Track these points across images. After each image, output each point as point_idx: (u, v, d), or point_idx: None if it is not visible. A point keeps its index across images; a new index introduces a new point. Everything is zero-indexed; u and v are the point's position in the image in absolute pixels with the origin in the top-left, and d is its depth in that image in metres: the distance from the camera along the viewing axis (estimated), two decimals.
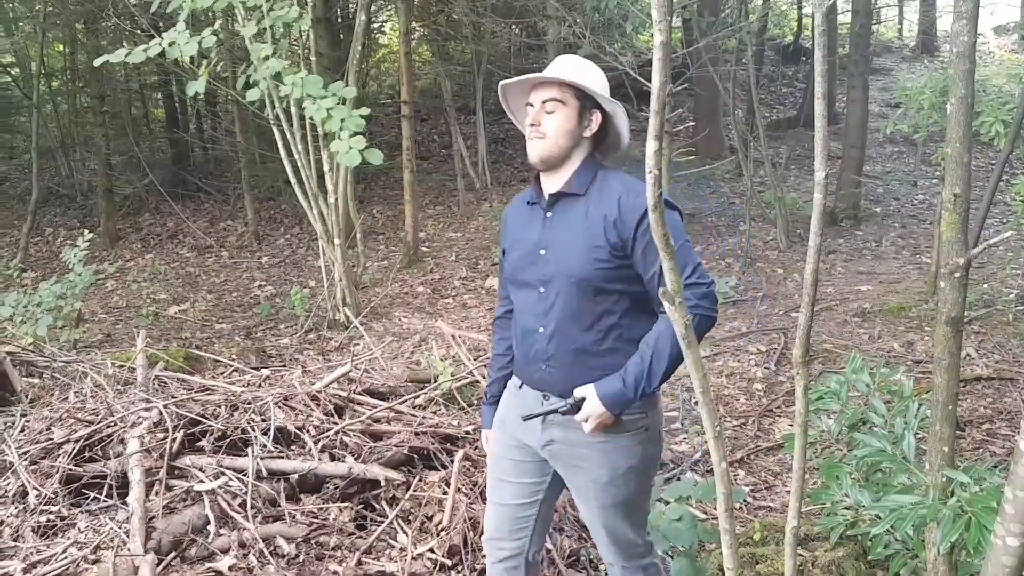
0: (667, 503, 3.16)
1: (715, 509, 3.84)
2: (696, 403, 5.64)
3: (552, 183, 2.22)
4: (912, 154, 13.70)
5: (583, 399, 2.14)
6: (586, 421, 2.13)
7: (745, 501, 4.01)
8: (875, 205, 11.69)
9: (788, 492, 4.25)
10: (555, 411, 2.20)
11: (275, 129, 6.53)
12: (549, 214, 2.20)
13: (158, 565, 2.83)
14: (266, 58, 5.54)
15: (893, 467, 2.48)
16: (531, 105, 2.17)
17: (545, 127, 2.14)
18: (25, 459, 3.28)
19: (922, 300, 7.15)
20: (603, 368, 2.14)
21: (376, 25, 15.39)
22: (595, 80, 2.16)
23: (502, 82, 2.23)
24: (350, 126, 5.19)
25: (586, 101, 2.15)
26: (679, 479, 4.23)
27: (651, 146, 1.76)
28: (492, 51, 14.15)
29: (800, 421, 2.08)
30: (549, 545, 3.28)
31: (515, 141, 14.82)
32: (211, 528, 3.06)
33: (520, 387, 2.34)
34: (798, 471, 2.12)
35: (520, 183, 13.26)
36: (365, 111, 5.28)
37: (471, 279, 9.25)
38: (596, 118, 2.17)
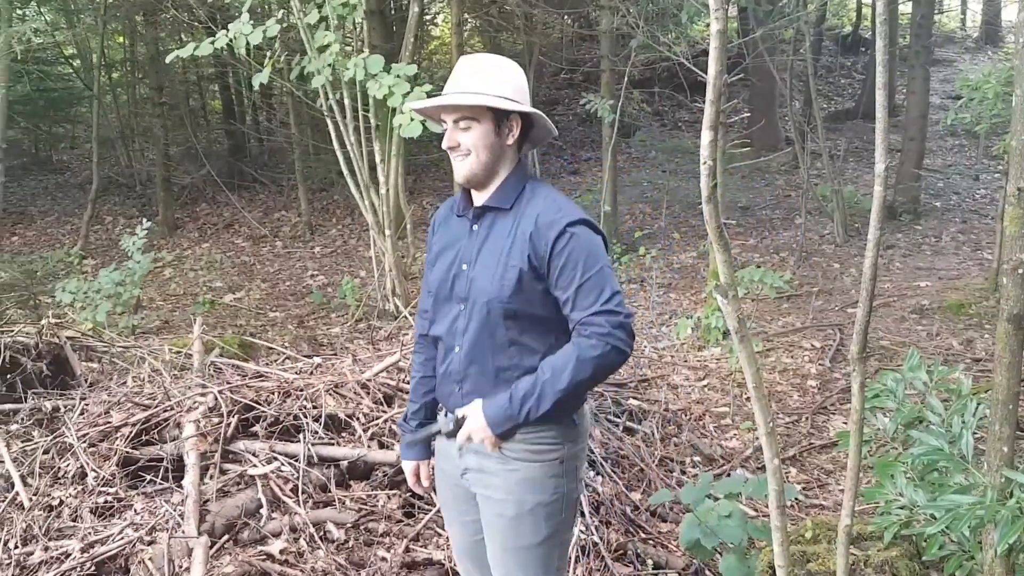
0: (716, 499, 3.12)
1: (765, 506, 3.80)
2: (747, 398, 5.58)
3: (480, 196, 2.09)
4: (974, 147, 13.28)
5: (464, 417, 2.01)
6: (467, 440, 2.00)
7: (797, 499, 3.95)
8: (935, 199, 11.38)
9: (841, 490, 4.17)
10: (437, 432, 2.10)
11: (329, 121, 6.61)
12: (475, 227, 2.08)
13: (211, 547, 2.89)
14: (327, 46, 5.60)
15: (950, 467, 2.42)
16: (445, 123, 2.04)
17: (465, 146, 2.00)
18: (84, 441, 3.38)
19: (983, 297, 6.95)
20: (513, 386, 1.99)
21: (428, 17, 15.45)
22: (502, 84, 1.99)
23: (414, 105, 2.11)
24: (399, 91, 5.26)
25: (500, 110, 1.99)
26: (729, 475, 4.18)
27: (706, 136, 1.74)
28: (544, 42, 14.09)
29: (856, 418, 2.03)
30: (595, 538, 3.27)
31: (565, 133, 14.77)
32: (263, 512, 3.12)
33: (441, 409, 2.21)
34: (853, 468, 2.08)
35: (569, 175, 13.22)
36: (428, 87, 5.31)
37: None
38: (515, 124, 2.03)
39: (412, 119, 5.20)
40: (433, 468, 2.29)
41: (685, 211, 11.02)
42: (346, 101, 6.41)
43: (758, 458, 4.53)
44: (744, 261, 8.48)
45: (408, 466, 2.33)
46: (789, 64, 10.49)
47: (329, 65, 5.82)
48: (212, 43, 5.43)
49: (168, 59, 5.70)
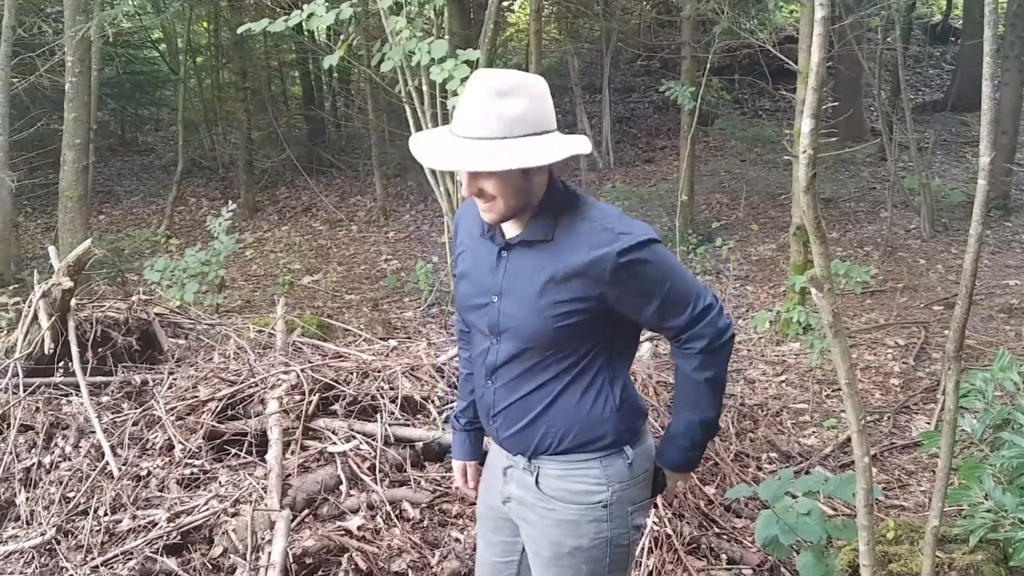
0: (794, 497, 3.06)
1: (844, 506, 3.71)
2: (827, 396, 5.43)
3: (510, 228, 1.86)
4: None
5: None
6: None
7: (878, 499, 3.84)
8: None
9: (923, 492, 4.06)
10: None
11: (406, 107, 6.66)
12: (504, 253, 1.86)
13: (292, 520, 2.96)
14: (400, 31, 5.63)
15: None
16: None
17: (489, 194, 1.75)
18: (172, 414, 3.49)
19: None
20: (546, 423, 1.86)
21: (506, 4, 15.44)
22: (522, 118, 1.69)
23: (421, 160, 1.78)
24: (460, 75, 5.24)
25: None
26: (808, 473, 4.10)
27: (807, 125, 1.69)
28: (623, 28, 13.93)
29: (949, 417, 1.97)
30: (668, 530, 3.24)
31: (640, 121, 14.60)
32: (342, 488, 3.18)
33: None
34: (943, 469, 2.01)
35: (644, 163, 13.06)
36: None
37: None
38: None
39: None
40: (480, 472, 2.20)
41: (764, 202, 10.78)
42: (424, 87, 6.45)
43: (836, 456, 4.43)
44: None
45: (457, 465, 2.24)
46: (878, 53, 10.14)
47: (410, 52, 5.85)
48: (286, 21, 5.51)
49: (240, 30, 5.80)
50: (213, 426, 3.42)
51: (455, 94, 5.39)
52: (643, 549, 3.10)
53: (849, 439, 4.57)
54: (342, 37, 5.86)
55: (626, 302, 1.77)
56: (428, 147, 1.77)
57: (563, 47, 14.38)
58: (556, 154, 1.70)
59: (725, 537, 3.42)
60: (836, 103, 10.71)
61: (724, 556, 3.28)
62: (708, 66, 8.12)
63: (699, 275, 8.17)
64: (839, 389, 5.33)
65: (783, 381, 5.49)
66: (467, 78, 5.24)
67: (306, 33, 12.96)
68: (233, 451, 3.36)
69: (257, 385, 3.64)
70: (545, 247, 1.79)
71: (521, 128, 1.68)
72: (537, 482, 1.90)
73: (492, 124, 1.67)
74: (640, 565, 3.06)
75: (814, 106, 1.61)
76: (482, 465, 2.17)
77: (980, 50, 1.82)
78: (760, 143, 12.72)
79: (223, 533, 2.92)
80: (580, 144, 1.75)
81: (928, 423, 4.76)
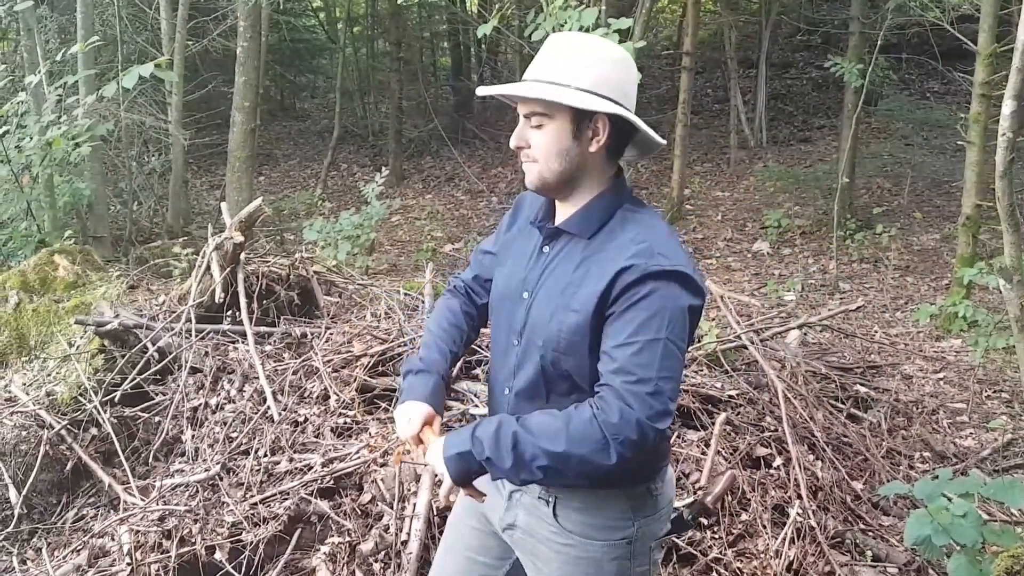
0: (949, 498, 2.90)
1: (1003, 511, 3.48)
2: (987, 396, 5.09)
3: (561, 211, 1.72)
4: None
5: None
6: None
7: None
8: None
9: None
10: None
11: None
12: (545, 249, 1.72)
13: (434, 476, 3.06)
14: (561, 5, 5.61)
15: None
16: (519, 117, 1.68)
17: (534, 148, 1.63)
18: (328, 367, 3.67)
19: None
20: None
21: None
22: (590, 73, 1.58)
23: (481, 91, 1.68)
24: None
25: (581, 108, 1.59)
26: (964, 475, 3.88)
27: (1008, 106, 1.58)
28: (784, 1, 13.36)
29: None
30: (812, 523, 3.14)
31: (797, 98, 13.99)
32: None
33: None
34: None
35: (800, 142, 12.52)
36: (641, 44, 5.20)
37: (737, 241, 8.95)
38: (601, 126, 1.61)
39: None
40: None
41: (930, 189, 10.14)
42: None
43: (995, 460, 4.17)
44: (997, 247, 7.69)
45: (414, 409, 1.76)
46: None
47: (561, 24, 5.82)
48: None
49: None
50: (365, 380, 3.57)
51: None
52: (785, 539, 3.03)
53: (1011, 442, 4.28)
54: (496, 6, 5.90)
55: (619, 320, 1.54)
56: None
57: (719, 19, 13.93)
58: (604, 106, 1.57)
59: (871, 534, 3.31)
60: None
61: (869, 553, 3.18)
62: (879, 43, 7.66)
63: (856, 263, 7.81)
64: (1001, 390, 4.98)
65: (941, 379, 5.19)
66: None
67: (459, 3, 13.17)
68: (383, 405, 3.51)
69: (406, 345, 3.76)
70: (583, 246, 1.65)
71: (587, 83, 1.58)
72: (555, 514, 1.70)
73: (560, 70, 1.59)
74: (781, 555, 2.99)
75: (1017, 87, 1.49)
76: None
77: None
78: (928, 126, 11.93)
79: (372, 482, 3.05)
80: (650, 132, 1.64)
81: None
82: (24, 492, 3.29)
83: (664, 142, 1.72)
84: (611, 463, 1.48)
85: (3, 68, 4.34)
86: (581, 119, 1.60)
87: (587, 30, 5.41)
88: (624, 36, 5.32)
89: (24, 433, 3.45)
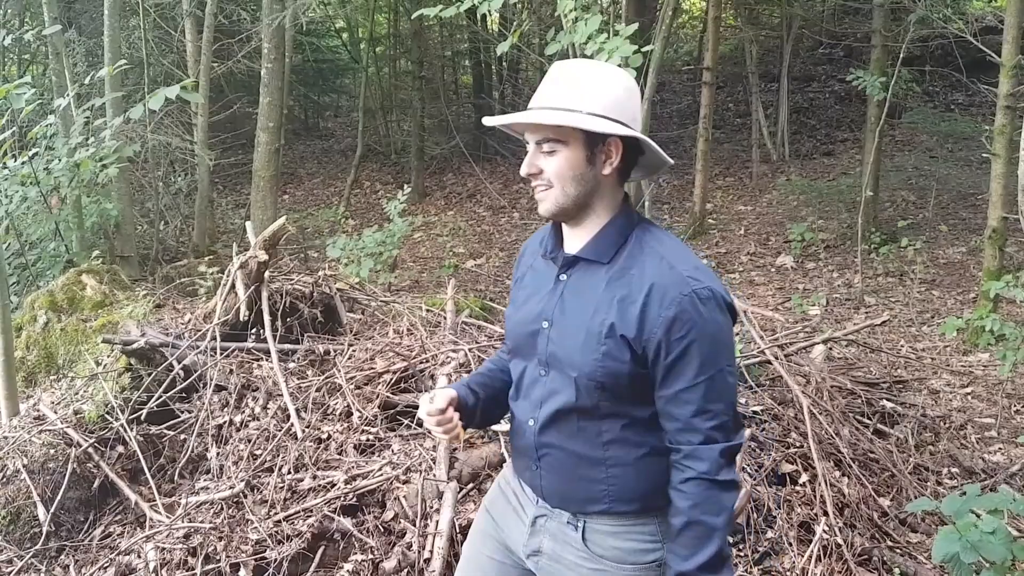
0: (979, 515, 2.86)
1: None
2: (1016, 411, 5.01)
3: (572, 239, 1.71)
4: None
5: None
6: None
7: None
8: None
9: None
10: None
11: None
12: (563, 277, 1.71)
13: (458, 493, 3.06)
14: (569, 13, 5.63)
15: None
16: (528, 144, 1.68)
17: (547, 175, 1.64)
18: (351, 383, 3.69)
19: None
20: (605, 482, 1.66)
21: None
22: (599, 98, 1.60)
23: (488, 121, 1.70)
24: (620, 54, 5.13)
25: (594, 132, 1.61)
26: (993, 491, 3.82)
27: None
28: (806, 14, 13.32)
29: None
30: (839, 540, 3.11)
31: (820, 111, 13.92)
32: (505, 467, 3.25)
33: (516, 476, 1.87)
34: None
35: (823, 156, 12.45)
36: (652, 48, 5.18)
37: (760, 255, 8.90)
38: (613, 149, 1.62)
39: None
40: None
41: (955, 202, 10.02)
42: None
43: None
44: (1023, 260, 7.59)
45: (446, 395, 1.77)
46: None
47: (582, 42, 5.84)
48: (458, 6, 5.64)
49: (415, 15, 5.99)
50: (388, 397, 3.59)
51: None
52: (811, 556, 2.99)
53: None
54: (515, 24, 5.94)
55: (674, 368, 1.56)
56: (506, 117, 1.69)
57: (739, 34, 13.91)
58: (618, 130, 1.59)
59: (899, 551, 3.27)
60: None
61: (897, 570, 3.14)
62: (901, 56, 7.62)
63: (881, 276, 7.74)
64: None
65: (969, 393, 5.11)
66: (634, 53, 5.17)
67: (479, 22, 13.25)
68: (405, 422, 3.52)
69: (428, 361, 3.78)
70: (605, 271, 1.65)
71: (597, 107, 1.60)
72: (584, 539, 1.70)
73: (569, 96, 1.61)
74: (807, 573, 2.96)
75: None
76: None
77: None
78: (953, 139, 11.82)
79: (395, 499, 3.06)
80: (660, 151, 1.66)
81: None
82: (52, 510, 3.32)
83: (672, 161, 1.73)
84: (734, 489, 1.60)
85: (33, 91, 4.42)
86: (594, 143, 1.62)
87: (592, 37, 5.42)
88: (637, 41, 5.31)
89: (52, 451, 3.49)
